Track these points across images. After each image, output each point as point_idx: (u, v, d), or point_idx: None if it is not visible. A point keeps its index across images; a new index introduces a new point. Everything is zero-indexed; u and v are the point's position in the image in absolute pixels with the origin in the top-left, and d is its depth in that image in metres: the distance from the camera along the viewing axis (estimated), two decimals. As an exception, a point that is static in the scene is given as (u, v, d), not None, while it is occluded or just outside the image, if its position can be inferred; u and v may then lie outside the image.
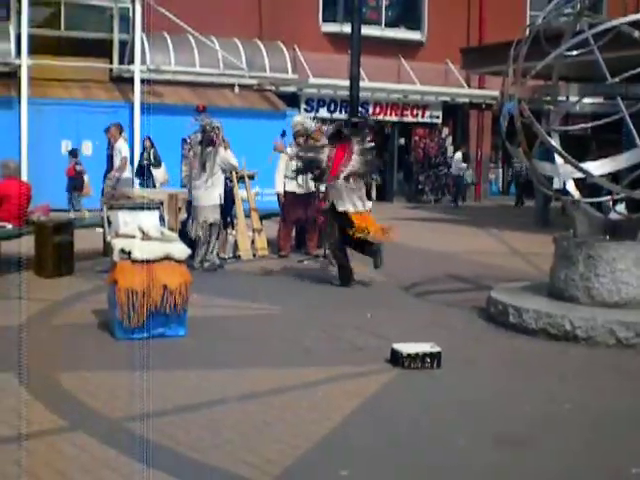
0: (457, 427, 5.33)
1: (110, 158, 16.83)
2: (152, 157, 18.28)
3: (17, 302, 8.70)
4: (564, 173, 9.07)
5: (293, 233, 13.60)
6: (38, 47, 20.81)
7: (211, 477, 4.49)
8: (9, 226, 10.97)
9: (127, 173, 16.06)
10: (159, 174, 18.37)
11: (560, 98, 9.72)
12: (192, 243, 10.65)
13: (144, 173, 18.21)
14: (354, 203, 10.51)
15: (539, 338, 7.68)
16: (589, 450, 5.03)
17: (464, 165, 25.44)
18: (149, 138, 18.55)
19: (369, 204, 10.89)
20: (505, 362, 7.08)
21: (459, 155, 25.75)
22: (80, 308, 8.76)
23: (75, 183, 18.35)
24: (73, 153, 18.87)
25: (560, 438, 5.20)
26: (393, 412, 5.65)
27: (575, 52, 8.86)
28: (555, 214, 18.94)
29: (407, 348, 6.66)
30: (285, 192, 13.04)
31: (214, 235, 11.45)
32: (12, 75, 20.79)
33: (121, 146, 16.16)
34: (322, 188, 13.16)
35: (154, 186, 18.26)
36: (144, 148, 18.57)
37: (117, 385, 6.01)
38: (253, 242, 12.98)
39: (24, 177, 16.01)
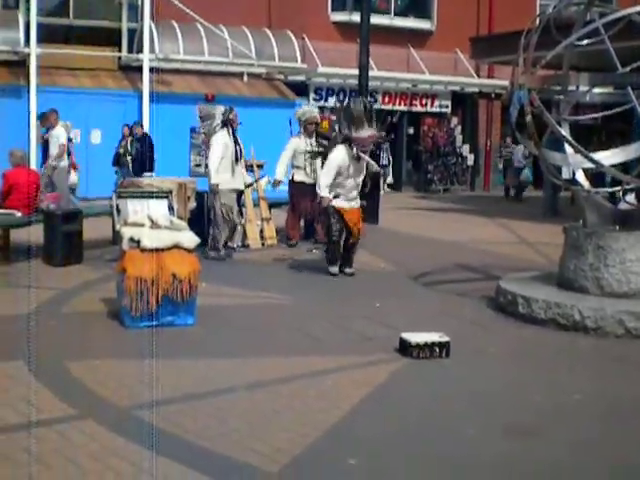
0: (466, 417, 5.32)
1: (45, 146, 16.46)
2: (129, 145, 18.22)
3: (26, 290, 8.73)
4: (574, 163, 9.04)
5: (302, 222, 13.59)
6: (47, 36, 20.79)
7: (219, 465, 4.49)
8: (18, 214, 10.99)
9: (64, 162, 15.60)
10: None
11: (570, 88, 9.67)
12: (202, 232, 10.64)
13: (120, 161, 18.15)
14: (349, 200, 10.51)
15: (548, 328, 7.67)
16: (599, 440, 5.02)
17: (525, 160, 24.92)
18: (128, 126, 18.47)
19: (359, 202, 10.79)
20: (514, 352, 7.07)
21: (521, 148, 24.98)
22: (89, 297, 8.77)
23: None
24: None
25: (570, 428, 5.20)
26: (402, 401, 5.65)
27: (585, 41, 8.84)
28: (564, 204, 18.92)
29: (416, 338, 6.66)
30: (294, 181, 13.01)
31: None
32: (21, 64, 20.77)
33: (59, 133, 15.62)
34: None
35: (130, 174, 18.20)
36: (123, 136, 18.47)
37: (126, 373, 6.02)
38: (262, 231, 12.98)
39: (33, 166, 16.00)
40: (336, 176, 10.33)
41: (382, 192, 23.69)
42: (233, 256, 11.68)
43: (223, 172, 11.31)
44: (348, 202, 10.47)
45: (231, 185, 11.47)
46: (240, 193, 12.05)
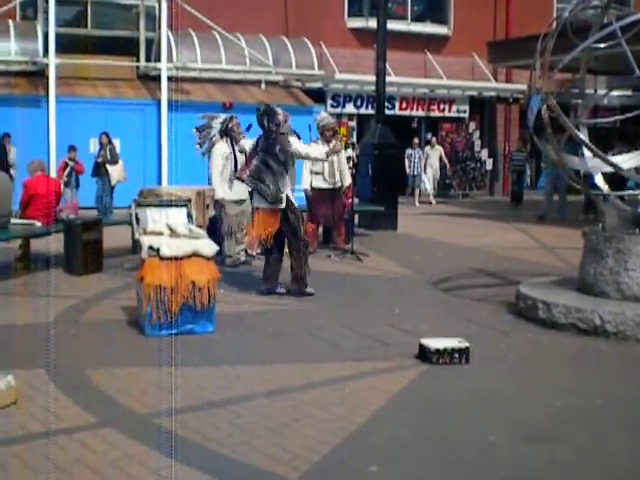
0: (487, 422, 5.31)
1: None
2: (109, 154, 18.14)
3: (47, 299, 8.78)
4: (593, 166, 9.01)
5: (320, 229, 13.61)
6: (65, 46, 20.95)
7: (240, 473, 4.49)
8: (38, 224, 11.05)
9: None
10: (115, 171, 18.14)
11: (588, 91, 9.63)
12: (220, 240, 10.67)
13: (99, 171, 18.06)
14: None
15: (568, 333, 7.64)
16: (620, 446, 4.99)
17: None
18: (106, 134, 18.33)
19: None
20: (534, 357, 7.04)
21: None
22: (109, 305, 8.81)
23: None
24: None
25: (591, 434, 5.17)
26: (422, 408, 5.64)
27: (602, 45, 8.80)
28: (574, 208, 18.89)
29: (435, 343, 6.64)
30: (312, 187, 13.02)
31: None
32: (40, 74, 20.91)
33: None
34: (348, 182, 13.22)
35: (110, 184, 18.13)
36: (101, 145, 18.31)
37: (146, 381, 6.03)
38: (280, 238, 12.97)
39: (52, 176, 16.10)
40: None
41: (433, 203, 23.58)
42: (252, 263, 11.69)
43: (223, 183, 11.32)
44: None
45: (231, 197, 11.46)
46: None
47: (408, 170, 23.47)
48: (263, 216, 9.40)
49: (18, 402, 5.46)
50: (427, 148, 24.46)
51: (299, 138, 10.71)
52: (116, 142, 20.90)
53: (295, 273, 9.52)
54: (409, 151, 23.55)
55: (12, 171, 17.50)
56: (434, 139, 24.96)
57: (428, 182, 24.09)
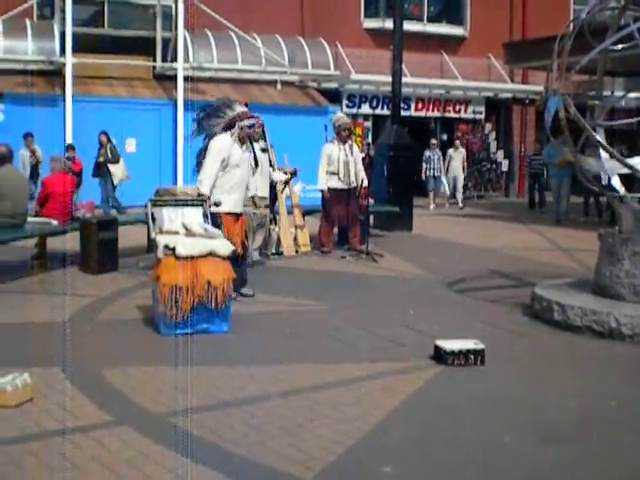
0: (502, 424, 5.30)
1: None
2: (109, 153, 18.09)
3: (63, 298, 8.82)
4: (609, 168, 8.98)
5: (335, 229, 13.61)
6: (82, 45, 21.00)
7: (255, 473, 4.50)
8: (54, 223, 11.10)
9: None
10: (117, 170, 18.10)
11: (605, 93, 9.61)
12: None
13: (101, 171, 18.01)
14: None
15: (584, 335, 7.62)
16: (636, 448, 4.97)
17: None
18: (105, 133, 18.30)
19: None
20: (550, 359, 7.03)
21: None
22: (124, 304, 8.84)
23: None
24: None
25: (606, 436, 5.15)
26: (437, 409, 5.63)
27: (620, 46, 8.77)
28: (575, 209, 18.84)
29: (450, 345, 6.64)
30: (328, 187, 13.02)
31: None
32: (57, 73, 20.97)
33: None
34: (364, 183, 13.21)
35: (113, 184, 18.09)
36: (100, 144, 18.28)
37: (161, 380, 6.05)
38: (296, 238, 13.01)
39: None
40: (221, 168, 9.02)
41: (460, 206, 22.77)
42: (266, 263, 11.71)
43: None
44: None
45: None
46: (274, 200, 12.08)
47: (427, 172, 22.74)
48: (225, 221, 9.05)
49: (34, 400, 5.49)
50: (450, 150, 23.72)
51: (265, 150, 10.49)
52: (132, 142, 21.00)
53: None
54: (427, 153, 22.84)
55: (40, 169, 17.57)
56: (458, 141, 24.40)
57: (448, 185, 23.37)
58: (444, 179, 23.31)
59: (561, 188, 18.91)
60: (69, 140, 19.58)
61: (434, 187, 23.05)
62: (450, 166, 23.36)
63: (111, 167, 17.99)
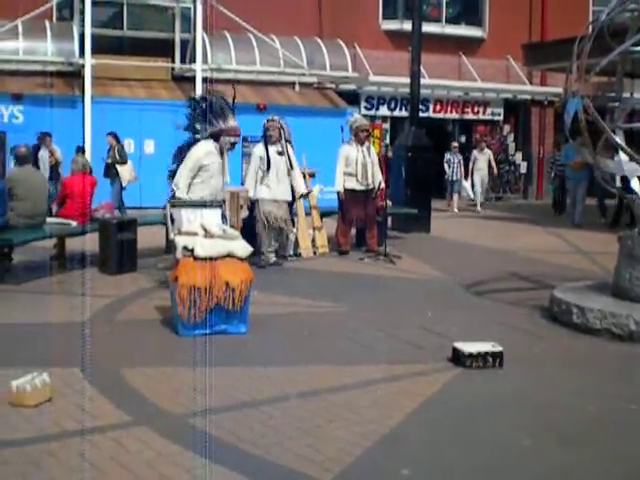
0: (521, 427, 5.28)
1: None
2: (117, 154, 18.04)
3: (82, 298, 8.86)
4: (629, 170, 8.93)
5: (353, 230, 13.61)
6: (101, 47, 21.07)
7: (272, 473, 4.51)
8: (74, 224, 11.15)
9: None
10: (125, 171, 18.05)
11: (624, 94, 9.55)
12: (254, 241, 10.72)
13: (110, 172, 17.96)
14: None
15: (603, 338, 7.59)
16: (655, 452, 4.96)
17: None
18: (113, 135, 18.22)
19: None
20: (568, 362, 7.00)
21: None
22: (143, 304, 8.86)
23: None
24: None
25: (625, 439, 5.13)
26: (455, 411, 5.62)
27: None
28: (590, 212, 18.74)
29: (469, 347, 6.62)
30: (345, 189, 13.01)
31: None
32: (76, 74, 21.06)
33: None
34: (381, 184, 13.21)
35: (121, 185, 18.07)
36: (109, 145, 18.19)
37: (179, 381, 6.06)
38: (313, 240, 13.02)
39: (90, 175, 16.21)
40: (198, 174, 9.33)
41: (478, 210, 22.33)
42: (284, 264, 11.72)
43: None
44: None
45: (265, 196, 11.68)
46: (292, 202, 12.11)
47: (447, 175, 22.54)
48: None
49: (53, 400, 5.52)
50: (475, 152, 23.32)
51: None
52: (150, 143, 21.05)
53: None
54: (447, 156, 22.68)
55: (60, 169, 17.62)
56: (483, 143, 24.13)
57: (477, 186, 22.81)
58: (465, 183, 23.01)
59: (577, 192, 18.71)
60: (88, 141, 19.66)
61: (453, 190, 22.82)
62: (475, 167, 22.89)
63: (119, 168, 17.97)
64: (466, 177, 23.15)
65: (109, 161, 17.97)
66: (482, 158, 23.04)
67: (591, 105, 8.25)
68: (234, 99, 9.93)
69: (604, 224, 18.34)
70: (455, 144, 23.39)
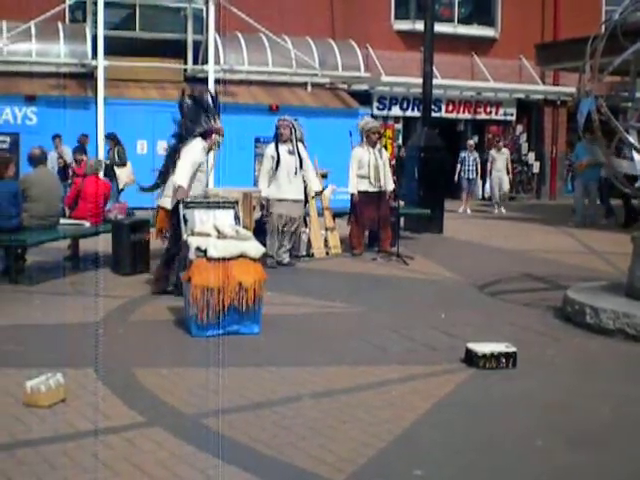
0: (533, 428, 5.27)
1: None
2: (117, 156, 17.91)
3: (95, 299, 8.87)
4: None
5: (366, 231, 13.60)
6: (114, 48, 21.12)
7: (285, 474, 4.51)
8: (87, 224, 11.18)
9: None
10: (123, 174, 17.94)
11: (638, 94, 9.53)
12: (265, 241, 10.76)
13: (108, 173, 17.87)
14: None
15: (616, 338, 7.56)
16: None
17: None
18: (111, 136, 18.24)
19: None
20: (582, 363, 6.98)
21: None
22: (156, 305, 8.87)
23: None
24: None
25: (638, 441, 5.11)
26: (468, 412, 5.61)
27: (653, 47, 8.69)
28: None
29: (482, 348, 6.61)
30: (358, 191, 13.01)
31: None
32: (89, 76, 21.12)
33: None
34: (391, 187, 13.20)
35: (117, 187, 17.99)
36: (109, 147, 18.17)
37: (192, 381, 6.07)
38: (326, 240, 13.02)
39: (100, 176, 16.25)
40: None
41: (497, 211, 21.96)
42: (296, 265, 11.73)
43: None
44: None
45: (275, 195, 11.75)
46: (305, 202, 12.12)
47: (461, 174, 22.32)
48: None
49: (67, 400, 5.53)
50: (492, 151, 22.85)
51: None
52: (163, 144, 21.07)
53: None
54: (462, 154, 22.53)
55: (69, 171, 17.66)
56: (501, 142, 23.69)
57: (495, 188, 22.29)
58: (485, 183, 22.89)
59: (590, 192, 18.53)
60: (100, 143, 19.70)
61: (468, 189, 22.64)
62: (494, 168, 22.37)
63: (117, 170, 17.87)
64: (482, 177, 22.99)
65: (107, 162, 17.96)
66: (501, 158, 22.50)
67: (604, 105, 8.23)
68: (215, 98, 9.90)
69: (609, 224, 18.24)
70: (471, 142, 23.24)
